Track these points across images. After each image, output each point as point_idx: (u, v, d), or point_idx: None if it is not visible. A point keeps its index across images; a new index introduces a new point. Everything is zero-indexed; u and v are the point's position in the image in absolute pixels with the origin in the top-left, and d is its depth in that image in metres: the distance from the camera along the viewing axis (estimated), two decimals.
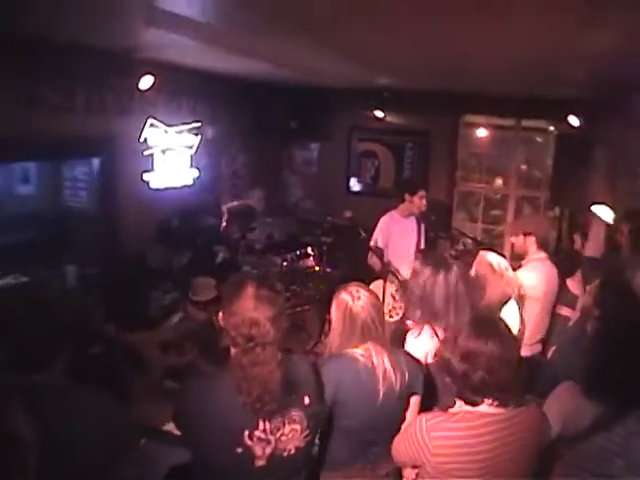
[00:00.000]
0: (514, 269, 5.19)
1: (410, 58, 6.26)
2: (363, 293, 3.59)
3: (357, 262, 7.39)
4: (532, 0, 3.62)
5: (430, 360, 3.84)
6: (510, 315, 4.44)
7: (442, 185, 10.55)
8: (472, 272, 4.64)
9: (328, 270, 8.32)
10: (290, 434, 2.83)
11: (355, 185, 11.20)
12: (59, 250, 8.55)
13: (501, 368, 2.84)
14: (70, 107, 6.33)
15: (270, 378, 2.71)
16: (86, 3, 3.99)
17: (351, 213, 8.60)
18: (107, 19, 4.64)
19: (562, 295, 5.66)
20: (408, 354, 3.78)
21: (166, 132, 7.60)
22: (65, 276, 7.44)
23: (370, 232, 7.24)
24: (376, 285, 4.23)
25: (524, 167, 11.18)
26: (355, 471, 3.56)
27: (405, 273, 6.10)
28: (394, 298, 6.23)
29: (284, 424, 2.81)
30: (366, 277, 5.60)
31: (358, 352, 3.49)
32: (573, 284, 5.67)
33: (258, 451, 2.74)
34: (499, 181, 11.45)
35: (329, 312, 3.72)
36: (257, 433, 2.73)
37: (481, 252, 4.91)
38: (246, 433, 2.71)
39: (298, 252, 8.13)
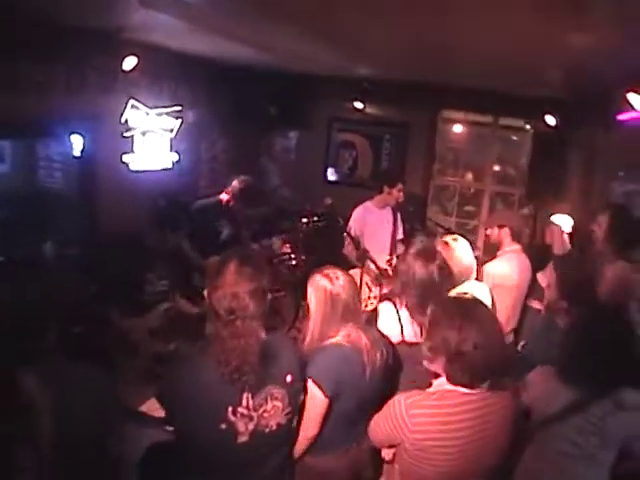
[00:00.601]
0: (487, 262, 5.32)
1: (392, 49, 6.31)
2: (340, 274, 3.65)
3: (334, 249, 7.44)
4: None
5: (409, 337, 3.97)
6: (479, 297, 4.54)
7: (418, 178, 10.63)
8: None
9: (304, 257, 8.35)
10: (272, 411, 2.90)
11: (333, 174, 11.27)
12: (35, 229, 8.53)
13: (484, 352, 2.92)
14: (51, 85, 6.27)
15: (249, 350, 2.79)
16: None
17: (331, 200, 8.64)
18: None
19: (534, 289, 5.79)
20: (379, 331, 3.86)
21: (147, 114, 7.57)
22: (43, 254, 7.43)
23: (347, 221, 7.30)
24: (353, 273, 4.26)
25: (499, 164, 11.29)
26: (342, 451, 3.66)
27: (381, 264, 6.19)
28: (370, 288, 6.28)
29: (266, 401, 2.88)
30: (342, 265, 5.66)
31: (340, 338, 3.55)
32: (542, 278, 5.78)
33: (241, 427, 2.81)
34: (470, 176, 11.59)
35: (304, 298, 3.77)
36: (240, 409, 2.80)
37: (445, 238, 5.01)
38: (230, 409, 2.78)
39: (274, 238, 8.15)
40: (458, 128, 11.23)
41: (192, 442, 2.92)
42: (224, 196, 7.79)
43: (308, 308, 3.71)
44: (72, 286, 2.82)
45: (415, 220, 9.29)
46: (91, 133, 7.05)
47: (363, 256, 5.96)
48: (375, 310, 4.29)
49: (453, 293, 4.18)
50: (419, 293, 4.09)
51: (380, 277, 5.95)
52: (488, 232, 5.95)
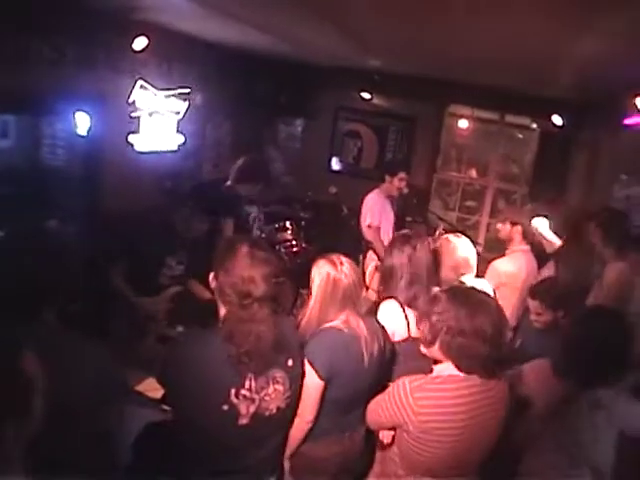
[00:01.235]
0: (489, 259, 5.36)
1: (403, 43, 6.32)
2: (345, 261, 3.68)
3: (337, 238, 7.48)
4: None
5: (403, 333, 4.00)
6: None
7: (422, 171, 10.66)
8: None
9: (304, 245, 8.38)
10: (273, 394, 2.94)
11: (337, 164, 11.28)
12: (36, 205, 8.54)
13: (482, 339, 3.00)
14: (59, 61, 6.24)
15: (263, 336, 2.83)
16: None
17: (336, 189, 8.66)
18: None
19: None
20: (378, 323, 3.90)
21: (155, 95, 7.56)
22: (45, 230, 7.44)
23: (354, 210, 7.35)
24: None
25: (503, 161, 11.32)
26: (334, 439, 3.69)
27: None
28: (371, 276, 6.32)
29: (268, 384, 2.92)
30: (343, 252, 5.69)
31: (339, 323, 3.58)
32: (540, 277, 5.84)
33: (243, 409, 2.85)
34: (473, 172, 11.63)
35: (302, 286, 3.80)
36: (243, 391, 2.83)
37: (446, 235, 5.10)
38: (232, 391, 2.81)
39: (276, 225, 8.17)
40: (464, 123, 11.24)
41: (192, 422, 2.95)
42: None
43: (310, 293, 3.76)
44: (73, 261, 2.81)
45: (416, 212, 9.33)
46: (98, 112, 7.04)
47: (366, 247, 6.00)
48: (376, 303, 4.30)
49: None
50: (399, 280, 4.17)
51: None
52: (499, 226, 5.98)
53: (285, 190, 10.44)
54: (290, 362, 3.05)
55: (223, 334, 2.84)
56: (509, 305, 5.46)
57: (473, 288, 3.44)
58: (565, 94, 8.22)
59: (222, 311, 2.99)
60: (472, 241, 5.09)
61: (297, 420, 3.46)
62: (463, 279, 4.67)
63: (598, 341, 3.42)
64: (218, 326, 2.97)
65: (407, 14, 4.72)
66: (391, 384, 3.45)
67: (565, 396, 3.43)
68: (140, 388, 4.13)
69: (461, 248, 4.82)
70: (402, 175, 7.49)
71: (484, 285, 4.83)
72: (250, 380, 2.86)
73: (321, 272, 3.66)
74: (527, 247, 5.80)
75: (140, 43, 6.62)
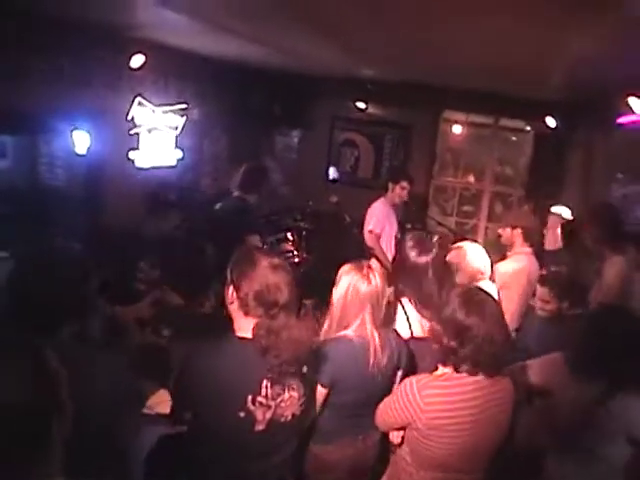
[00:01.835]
0: (492, 262, 5.41)
1: (395, 51, 6.37)
2: (370, 268, 3.73)
3: (339, 247, 7.52)
4: (514, 1, 3.77)
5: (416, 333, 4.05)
6: None
7: (419, 178, 10.64)
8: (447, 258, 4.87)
9: (305, 255, 8.44)
10: (289, 401, 2.97)
11: (334, 173, 11.30)
12: (36, 225, 8.56)
13: (489, 340, 3.07)
14: (57, 80, 6.30)
15: (302, 341, 2.87)
16: None
17: (337, 198, 8.71)
18: None
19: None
20: (395, 331, 3.94)
21: (153, 112, 7.65)
22: (51, 250, 7.45)
23: (356, 219, 7.41)
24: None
25: (499, 165, 11.40)
26: (347, 442, 3.74)
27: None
28: None
29: (284, 391, 2.95)
30: (342, 262, 5.71)
31: (350, 331, 3.64)
32: None
33: (259, 416, 2.88)
34: (471, 178, 11.70)
35: (303, 297, 3.84)
36: (259, 398, 2.87)
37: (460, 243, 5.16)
38: (249, 398, 2.85)
39: (277, 236, 8.22)
40: (459, 129, 11.30)
41: (208, 430, 2.98)
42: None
43: (331, 302, 3.81)
44: (81, 278, 2.85)
45: (416, 219, 9.39)
46: (96, 129, 7.10)
47: (369, 254, 6.05)
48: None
49: None
50: (415, 283, 4.21)
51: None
52: (500, 231, 6.05)
53: (284, 200, 10.48)
54: (305, 369, 3.08)
55: (259, 348, 2.86)
56: (512, 307, 5.52)
57: (481, 290, 3.49)
58: (557, 96, 8.28)
59: (242, 322, 3.01)
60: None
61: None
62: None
63: (615, 337, 3.47)
64: (235, 338, 3.01)
65: (398, 23, 4.78)
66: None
67: (581, 391, 3.47)
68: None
69: (476, 258, 4.90)
70: (404, 184, 7.56)
71: (490, 287, 4.89)
72: (266, 387, 2.90)
73: (345, 278, 3.71)
74: (529, 249, 5.85)
75: (137, 60, 6.70)
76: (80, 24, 5.87)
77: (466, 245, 5.04)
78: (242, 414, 2.85)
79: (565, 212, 6.67)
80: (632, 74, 5.55)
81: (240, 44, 6.62)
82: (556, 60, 5.44)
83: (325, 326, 3.79)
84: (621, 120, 6.81)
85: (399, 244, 4.58)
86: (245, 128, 10.20)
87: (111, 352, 2.92)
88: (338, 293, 3.72)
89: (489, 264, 5.00)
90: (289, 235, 8.46)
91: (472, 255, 4.91)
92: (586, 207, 7.18)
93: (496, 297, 4.78)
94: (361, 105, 10.36)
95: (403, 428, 3.40)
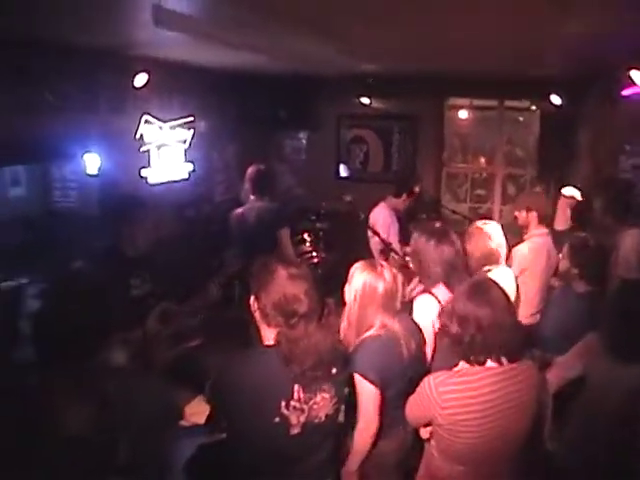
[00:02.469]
0: (511, 245, 5.42)
1: (392, 43, 6.35)
2: (383, 265, 3.79)
3: (356, 245, 7.54)
4: None
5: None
6: (505, 282, 4.64)
7: (430, 167, 10.73)
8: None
9: (324, 255, 8.48)
10: (321, 402, 3.03)
11: (345, 171, 11.35)
12: (56, 249, 8.65)
13: (496, 330, 3.10)
14: (64, 108, 6.41)
15: (322, 349, 2.93)
16: (83, 4, 4.17)
17: (351, 197, 8.74)
18: (103, 19, 4.80)
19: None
20: (412, 320, 4.00)
21: (161, 128, 7.72)
22: (74, 275, 7.52)
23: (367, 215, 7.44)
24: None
25: (508, 146, 11.37)
26: (395, 433, 3.82)
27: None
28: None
29: (315, 393, 3.00)
30: (363, 259, 5.73)
31: (378, 329, 3.69)
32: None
33: (293, 420, 2.95)
34: (482, 160, 11.68)
35: (325, 296, 3.88)
36: (292, 403, 2.93)
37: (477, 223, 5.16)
38: (283, 403, 2.91)
39: (294, 238, 8.23)
40: (465, 114, 11.31)
41: (245, 438, 3.05)
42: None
43: (343, 296, 3.86)
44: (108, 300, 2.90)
45: (430, 209, 9.40)
46: (107, 151, 7.17)
47: (388, 249, 6.08)
48: (410, 301, 4.36)
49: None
50: (434, 272, 4.27)
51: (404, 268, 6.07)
52: (516, 214, 6.03)
53: (298, 202, 10.52)
54: (334, 370, 3.13)
55: (281, 357, 2.92)
56: (532, 289, 5.54)
57: (487, 279, 3.52)
58: (560, 72, 8.26)
59: (266, 331, 3.08)
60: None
61: (362, 435, 3.61)
62: (492, 269, 4.75)
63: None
64: (264, 347, 3.07)
65: (393, 15, 4.79)
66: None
67: (623, 375, 3.50)
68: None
69: (492, 236, 4.88)
70: (416, 190, 7.61)
71: (508, 273, 4.92)
72: (299, 391, 2.96)
73: (360, 277, 3.75)
74: (545, 230, 5.84)
75: (140, 79, 6.77)
76: (81, 50, 5.94)
77: (484, 225, 5.00)
78: (277, 419, 2.91)
79: (575, 193, 6.68)
80: (633, 47, 5.55)
81: (238, 54, 6.66)
82: (555, 36, 5.42)
83: (344, 324, 3.83)
84: (625, 92, 6.82)
85: (416, 236, 4.58)
86: (252, 135, 10.27)
87: (144, 373, 2.96)
88: (353, 291, 3.77)
89: (505, 246, 5.01)
90: (306, 236, 8.50)
91: (487, 235, 4.89)
92: (596, 181, 7.23)
93: (513, 282, 4.85)
94: (365, 100, 10.35)
95: (429, 424, 3.45)
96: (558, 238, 5.84)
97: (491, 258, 4.84)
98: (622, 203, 5.52)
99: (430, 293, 4.25)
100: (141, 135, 7.39)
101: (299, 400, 2.95)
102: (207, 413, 3.56)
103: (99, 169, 7.27)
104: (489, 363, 3.17)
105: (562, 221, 6.37)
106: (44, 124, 6.07)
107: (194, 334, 5.29)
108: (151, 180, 7.60)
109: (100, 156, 7.13)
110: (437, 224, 4.75)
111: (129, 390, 2.62)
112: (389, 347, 3.65)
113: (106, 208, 7.46)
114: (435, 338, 4.01)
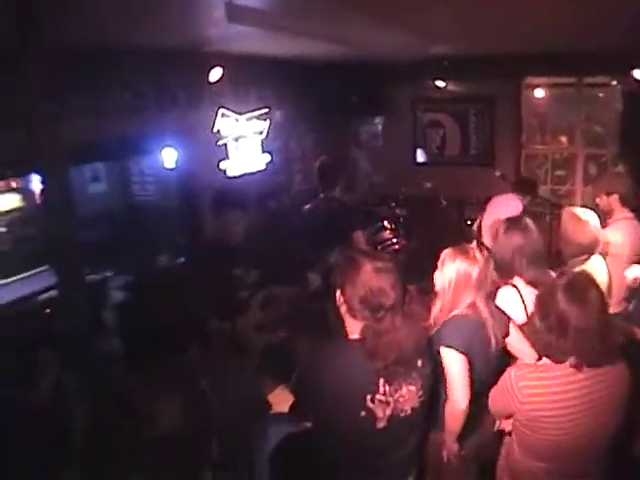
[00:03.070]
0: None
1: (466, 24, 6.28)
2: (474, 251, 3.79)
3: (436, 231, 7.50)
4: None
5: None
6: (599, 271, 4.55)
7: (508, 150, 10.54)
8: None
9: (404, 241, 8.44)
10: (407, 395, 3.02)
11: (422, 155, 11.21)
12: (140, 243, 8.82)
13: (587, 331, 2.99)
14: (142, 107, 6.55)
15: (406, 344, 2.92)
16: (159, 6, 4.23)
17: (431, 184, 8.68)
18: (178, 19, 4.86)
19: None
20: (501, 310, 3.96)
21: (237, 120, 7.79)
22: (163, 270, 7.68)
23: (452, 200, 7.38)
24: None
25: (588, 124, 11.08)
26: (479, 423, 3.82)
27: None
28: None
29: (401, 386, 3.00)
30: (444, 245, 5.67)
31: (465, 310, 3.70)
32: None
33: (379, 413, 2.95)
34: (563, 139, 11.40)
35: (407, 282, 3.87)
36: (378, 396, 2.93)
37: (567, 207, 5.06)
38: (368, 397, 2.92)
39: (374, 226, 8.22)
40: (542, 93, 11.03)
41: (331, 430, 3.08)
42: None
43: (424, 283, 3.87)
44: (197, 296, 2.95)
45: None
46: (185, 145, 7.28)
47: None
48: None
49: (578, 266, 4.28)
50: (516, 263, 4.23)
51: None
52: (597, 200, 5.85)
53: (377, 189, 10.50)
54: (420, 362, 3.12)
55: (366, 351, 2.92)
56: (616, 276, 5.38)
57: (585, 276, 3.42)
58: None
59: (351, 325, 3.09)
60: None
61: (454, 409, 3.60)
62: (588, 263, 4.67)
63: None
64: (349, 341, 3.08)
65: None
66: None
67: None
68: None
69: (590, 225, 4.78)
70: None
71: (601, 262, 4.81)
72: (384, 385, 2.96)
73: (454, 263, 3.76)
74: (630, 214, 5.64)
75: (216, 74, 6.83)
76: (157, 50, 6.02)
77: (580, 214, 4.88)
78: (363, 413, 2.92)
79: None
80: None
81: (310, 43, 6.67)
82: (635, 6, 5.26)
83: (436, 309, 3.84)
84: None
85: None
86: (328, 123, 10.26)
87: (236, 364, 3.00)
88: (446, 277, 3.77)
89: (600, 235, 4.88)
90: (386, 223, 8.47)
91: (590, 224, 4.78)
92: None
93: (606, 271, 4.74)
94: (440, 83, 10.25)
95: (508, 417, 3.41)
96: None
97: (588, 247, 4.74)
98: None
99: (512, 285, 4.20)
100: (218, 129, 7.47)
101: (385, 394, 2.95)
102: (290, 403, 3.60)
103: (177, 163, 7.40)
104: (575, 361, 3.09)
105: None
106: (124, 123, 6.20)
107: (286, 323, 5.37)
108: (230, 173, 7.67)
109: (178, 150, 7.25)
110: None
111: (223, 383, 2.65)
112: (475, 327, 3.66)
113: (189, 200, 7.58)
114: (519, 331, 3.96)
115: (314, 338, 4.50)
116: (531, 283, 4.13)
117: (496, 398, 3.44)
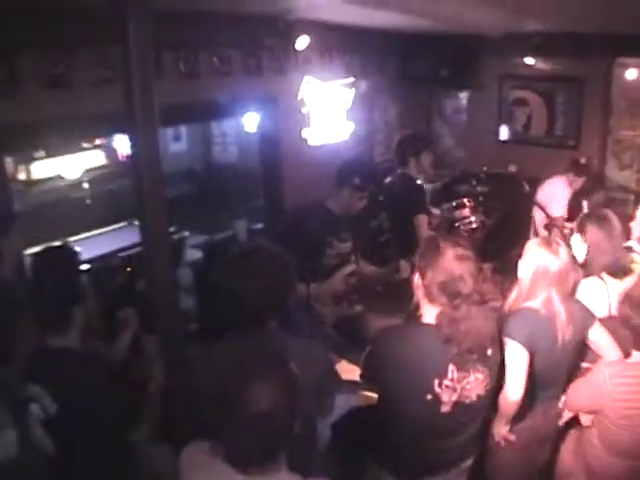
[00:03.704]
0: None
1: (560, 2, 6.17)
2: (558, 242, 3.78)
3: (517, 211, 7.42)
4: None
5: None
6: None
7: (595, 133, 10.27)
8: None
9: (483, 220, 8.35)
10: (474, 383, 3.06)
11: (506, 133, 10.94)
12: (217, 204, 8.95)
13: None
14: (229, 70, 6.63)
15: (482, 331, 2.95)
16: None
17: (516, 167, 8.53)
18: None
19: None
20: (579, 303, 3.91)
21: (322, 89, 7.79)
22: (236, 231, 7.79)
23: (534, 182, 7.28)
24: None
25: None
26: (529, 413, 3.80)
27: None
28: None
29: (470, 373, 3.03)
30: (523, 227, 5.61)
31: (538, 303, 3.68)
32: None
33: (445, 398, 3.00)
34: None
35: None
36: (446, 382, 2.98)
37: None
38: (436, 382, 2.96)
39: (454, 202, 8.15)
40: (634, 74, 10.67)
41: (397, 409, 3.15)
42: None
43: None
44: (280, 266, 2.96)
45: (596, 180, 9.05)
46: (268, 111, 7.36)
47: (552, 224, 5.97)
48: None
49: None
50: (597, 256, 4.20)
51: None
52: None
53: (458, 165, 10.41)
54: (489, 351, 3.14)
55: (442, 337, 2.97)
56: None
57: None
58: None
59: (427, 309, 3.14)
60: None
61: (507, 398, 3.61)
62: None
63: None
64: (424, 325, 3.12)
65: None
66: (586, 365, 3.48)
67: None
68: None
69: None
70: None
71: None
72: (452, 371, 3.00)
73: (535, 253, 3.76)
74: None
75: (302, 42, 6.86)
76: (245, 18, 6.08)
77: None
78: (429, 396, 2.97)
79: None
80: None
81: (399, 15, 6.62)
82: None
83: (513, 296, 3.87)
84: None
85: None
86: (413, 94, 10.22)
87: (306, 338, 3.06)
88: (527, 267, 3.77)
89: None
90: (465, 201, 8.38)
91: None
92: None
93: None
94: (530, 61, 10.04)
95: (592, 412, 3.38)
96: None
97: None
98: None
99: (599, 277, 4.16)
100: (302, 96, 7.48)
101: (452, 380, 3.00)
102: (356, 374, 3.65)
103: (259, 127, 7.46)
104: None
105: None
106: (208, 87, 6.35)
107: (364, 300, 5.42)
108: (311, 142, 7.68)
109: (261, 115, 7.30)
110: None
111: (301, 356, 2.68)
112: (544, 324, 3.64)
113: (270, 165, 7.62)
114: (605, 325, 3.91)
115: (388, 318, 4.57)
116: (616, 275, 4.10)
117: (581, 394, 3.43)
